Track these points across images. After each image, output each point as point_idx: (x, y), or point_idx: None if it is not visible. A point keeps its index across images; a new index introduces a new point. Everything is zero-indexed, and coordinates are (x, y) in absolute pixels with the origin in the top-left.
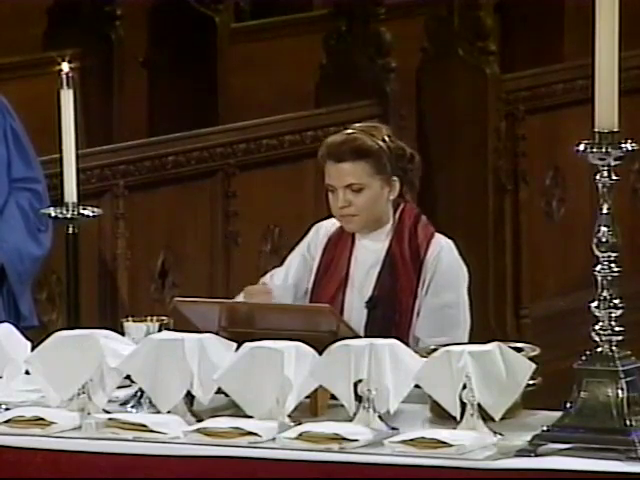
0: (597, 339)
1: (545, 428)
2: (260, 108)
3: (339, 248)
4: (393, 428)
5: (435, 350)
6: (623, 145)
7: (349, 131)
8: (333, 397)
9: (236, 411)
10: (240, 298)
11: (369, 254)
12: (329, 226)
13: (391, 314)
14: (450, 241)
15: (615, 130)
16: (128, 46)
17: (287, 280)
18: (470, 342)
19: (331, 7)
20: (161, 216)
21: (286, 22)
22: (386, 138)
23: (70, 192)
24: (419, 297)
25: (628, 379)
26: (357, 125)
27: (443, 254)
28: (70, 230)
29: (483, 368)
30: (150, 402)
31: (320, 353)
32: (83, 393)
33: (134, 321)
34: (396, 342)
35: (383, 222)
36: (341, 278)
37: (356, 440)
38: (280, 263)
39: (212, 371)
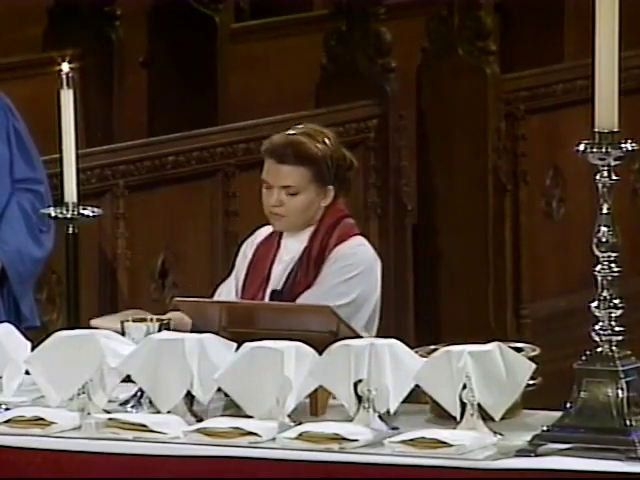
0: (597, 339)
1: (545, 428)
2: (260, 108)
3: (266, 248)
4: (393, 428)
5: (435, 350)
6: (623, 145)
7: (295, 133)
8: (333, 397)
9: (236, 411)
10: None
11: (290, 253)
12: (264, 230)
13: None
14: (361, 244)
15: (615, 130)
16: (128, 46)
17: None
18: (470, 342)
19: (331, 7)
20: (161, 216)
21: (286, 22)
22: (329, 145)
23: (70, 192)
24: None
25: (628, 379)
26: (303, 127)
27: (348, 251)
28: (70, 230)
29: (483, 368)
30: (150, 402)
31: (320, 353)
32: (83, 393)
33: (134, 321)
34: (396, 342)
35: (310, 224)
36: (263, 277)
37: (356, 440)
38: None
39: (212, 371)
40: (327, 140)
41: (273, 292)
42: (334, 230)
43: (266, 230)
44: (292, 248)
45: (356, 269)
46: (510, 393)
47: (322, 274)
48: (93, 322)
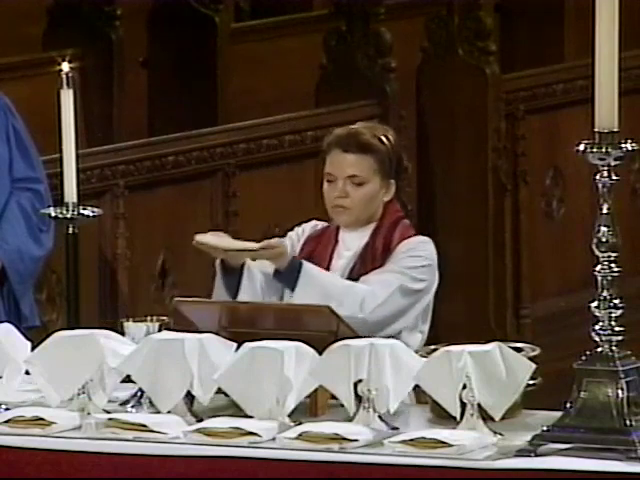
0: (597, 339)
1: (545, 428)
2: (260, 108)
3: (322, 243)
4: (393, 428)
5: (435, 350)
6: (623, 145)
7: (358, 126)
8: (333, 397)
9: (236, 411)
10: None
11: (350, 249)
12: (311, 226)
13: None
14: (429, 241)
15: (615, 130)
16: (128, 46)
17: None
18: (470, 342)
19: (331, 7)
20: (161, 216)
21: (286, 22)
22: (391, 140)
23: (70, 192)
24: None
25: (628, 379)
26: (364, 123)
27: (418, 246)
28: (70, 230)
29: (483, 368)
30: (150, 402)
31: (320, 353)
32: (83, 393)
33: (134, 321)
34: (397, 342)
35: (370, 221)
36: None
37: (356, 440)
38: None
39: (212, 371)
40: (389, 135)
41: None
42: (395, 228)
43: (315, 224)
44: (352, 244)
45: (426, 261)
46: (510, 393)
47: (391, 260)
48: (198, 237)
